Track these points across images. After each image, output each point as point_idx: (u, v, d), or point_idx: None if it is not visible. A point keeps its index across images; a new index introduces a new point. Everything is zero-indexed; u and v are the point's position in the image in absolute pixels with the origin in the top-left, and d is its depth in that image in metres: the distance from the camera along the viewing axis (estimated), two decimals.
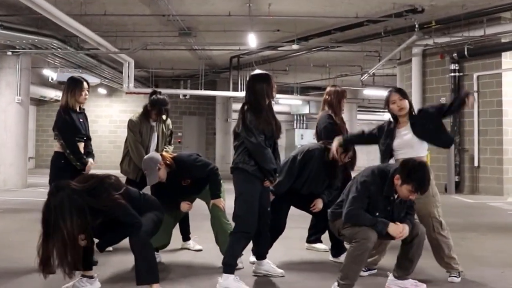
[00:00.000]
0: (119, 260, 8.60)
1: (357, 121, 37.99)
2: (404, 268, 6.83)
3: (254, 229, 7.30)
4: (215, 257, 8.12)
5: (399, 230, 6.53)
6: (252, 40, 20.88)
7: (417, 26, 19.05)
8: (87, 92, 8.53)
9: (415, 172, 6.39)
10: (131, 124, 9.61)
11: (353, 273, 6.61)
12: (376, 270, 7.88)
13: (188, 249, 9.43)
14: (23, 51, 21.29)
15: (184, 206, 8.42)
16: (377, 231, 6.58)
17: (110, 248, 8.92)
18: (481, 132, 20.22)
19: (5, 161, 21.10)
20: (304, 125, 44.46)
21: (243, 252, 7.82)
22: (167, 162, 8.12)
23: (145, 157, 8.42)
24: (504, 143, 19.67)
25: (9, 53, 21.20)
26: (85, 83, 8.53)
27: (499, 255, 8.77)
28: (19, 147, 21.42)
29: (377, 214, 6.60)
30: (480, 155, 20.25)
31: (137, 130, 9.48)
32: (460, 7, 18.17)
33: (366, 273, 7.56)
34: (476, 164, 20.29)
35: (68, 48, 21.74)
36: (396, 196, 6.58)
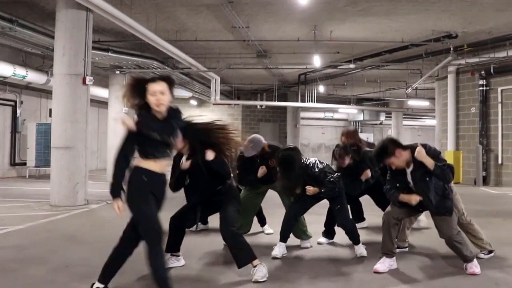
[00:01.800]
0: (206, 241, 8.95)
1: (403, 126, 37.89)
2: (461, 257, 6.74)
3: None
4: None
5: (408, 198, 6.73)
6: (316, 61, 21.08)
7: (452, 49, 19.16)
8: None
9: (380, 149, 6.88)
10: None
11: (383, 242, 7.00)
12: (407, 249, 8.02)
13: (263, 232, 9.65)
14: (129, 70, 21.59)
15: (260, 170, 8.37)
16: (393, 202, 6.95)
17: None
18: (504, 135, 20.20)
19: None
20: (360, 130, 44.31)
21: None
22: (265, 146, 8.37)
23: (257, 136, 8.50)
24: None
25: (117, 72, 21.65)
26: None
27: None
28: None
29: (397, 185, 6.85)
30: (503, 154, 20.24)
31: None
32: (487, 33, 18.32)
33: (397, 250, 7.43)
34: (500, 161, 20.28)
35: (166, 67, 22.13)
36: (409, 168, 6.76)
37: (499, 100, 20.25)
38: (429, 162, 6.52)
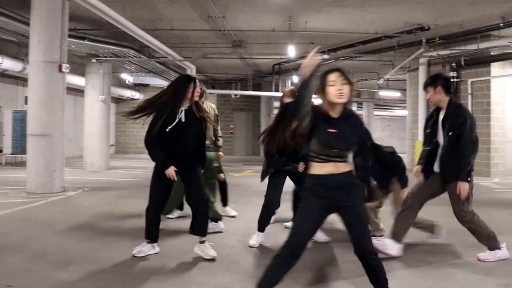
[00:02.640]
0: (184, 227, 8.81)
1: (374, 116, 37.94)
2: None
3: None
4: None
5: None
6: (291, 51, 21.00)
7: (424, 41, 19.10)
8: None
9: None
10: None
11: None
12: (383, 237, 7.62)
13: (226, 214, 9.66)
14: (105, 59, 21.33)
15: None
16: None
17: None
18: None
19: (91, 148, 21.26)
20: None
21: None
22: None
23: None
24: (492, 135, 19.80)
25: (94, 60, 21.27)
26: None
27: (491, 224, 8.42)
28: (102, 136, 21.52)
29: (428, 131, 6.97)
30: None
31: None
32: (459, 26, 18.29)
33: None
34: None
35: (142, 56, 21.90)
36: None
37: (469, 91, 20.33)
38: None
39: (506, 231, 8.54)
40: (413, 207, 6.93)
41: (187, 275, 6.03)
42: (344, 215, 4.73)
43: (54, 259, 6.61)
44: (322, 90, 4.72)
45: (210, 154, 8.54)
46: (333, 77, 4.70)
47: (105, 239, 7.89)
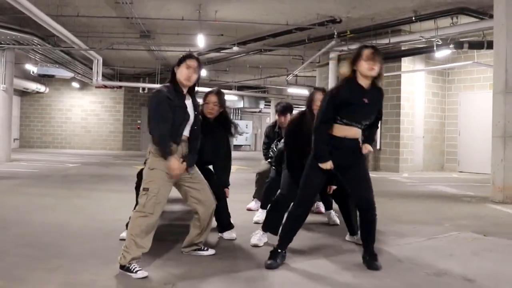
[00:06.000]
0: None
1: None
2: None
3: None
4: None
5: None
6: (200, 41, 20.00)
7: (336, 33, 18.44)
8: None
9: None
10: None
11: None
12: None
13: None
14: (8, 46, 20.06)
15: None
16: None
17: None
18: (383, 121, 19.71)
19: None
20: (239, 116, 43.85)
21: None
22: None
23: None
24: (401, 131, 19.52)
25: None
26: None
27: (409, 215, 8.79)
28: (3, 128, 20.29)
29: None
30: (382, 140, 19.99)
31: None
32: (370, 20, 17.85)
33: None
34: (378, 147, 19.98)
35: (46, 45, 20.63)
36: None
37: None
38: None
39: (427, 221, 8.61)
40: None
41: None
42: (350, 172, 5.42)
43: None
44: (356, 63, 5.30)
45: None
46: (367, 52, 5.24)
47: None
